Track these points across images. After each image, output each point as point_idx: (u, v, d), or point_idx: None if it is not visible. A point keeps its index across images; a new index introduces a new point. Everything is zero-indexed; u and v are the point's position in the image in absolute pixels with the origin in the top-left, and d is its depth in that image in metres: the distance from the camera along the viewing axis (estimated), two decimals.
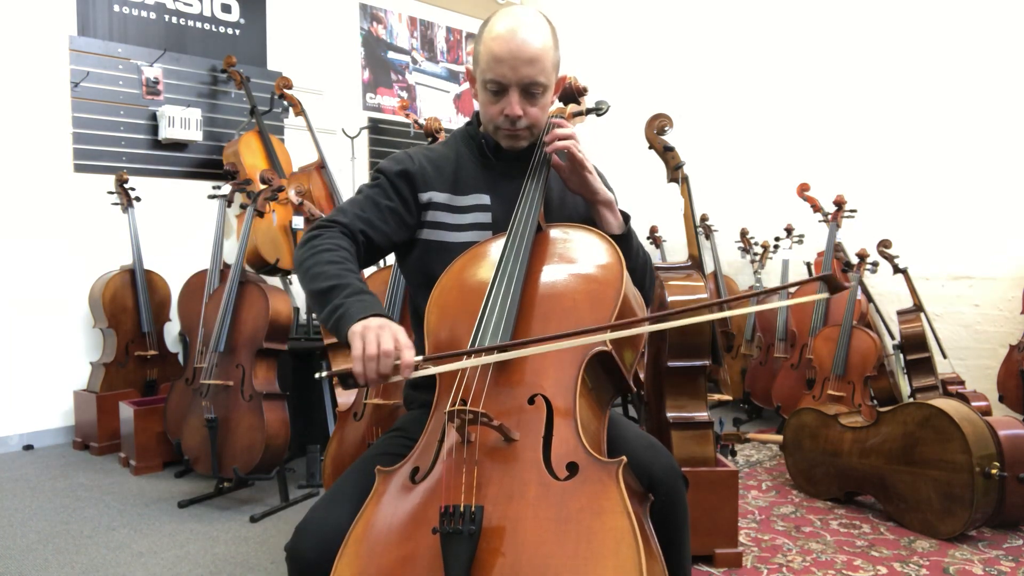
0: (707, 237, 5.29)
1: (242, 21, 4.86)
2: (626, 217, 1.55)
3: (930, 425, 2.58)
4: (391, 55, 5.76)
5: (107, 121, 4.25)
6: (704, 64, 5.57)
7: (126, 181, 3.96)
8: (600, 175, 1.62)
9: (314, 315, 3.68)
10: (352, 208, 1.47)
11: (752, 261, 4.97)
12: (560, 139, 1.45)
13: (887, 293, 4.44)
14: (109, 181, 4.04)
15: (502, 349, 1.18)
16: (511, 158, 1.54)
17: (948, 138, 4.38)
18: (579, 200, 1.56)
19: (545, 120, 1.53)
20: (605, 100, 1.77)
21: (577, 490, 1.03)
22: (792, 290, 4.35)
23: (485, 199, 1.52)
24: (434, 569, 0.99)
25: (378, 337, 1.15)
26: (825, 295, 1.11)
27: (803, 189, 4.32)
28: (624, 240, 1.47)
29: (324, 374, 1.21)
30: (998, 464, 2.47)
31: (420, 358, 1.18)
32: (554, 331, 1.24)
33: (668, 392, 2.48)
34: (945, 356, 3.83)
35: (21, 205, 3.97)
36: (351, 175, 4.94)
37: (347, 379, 1.16)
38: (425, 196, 1.51)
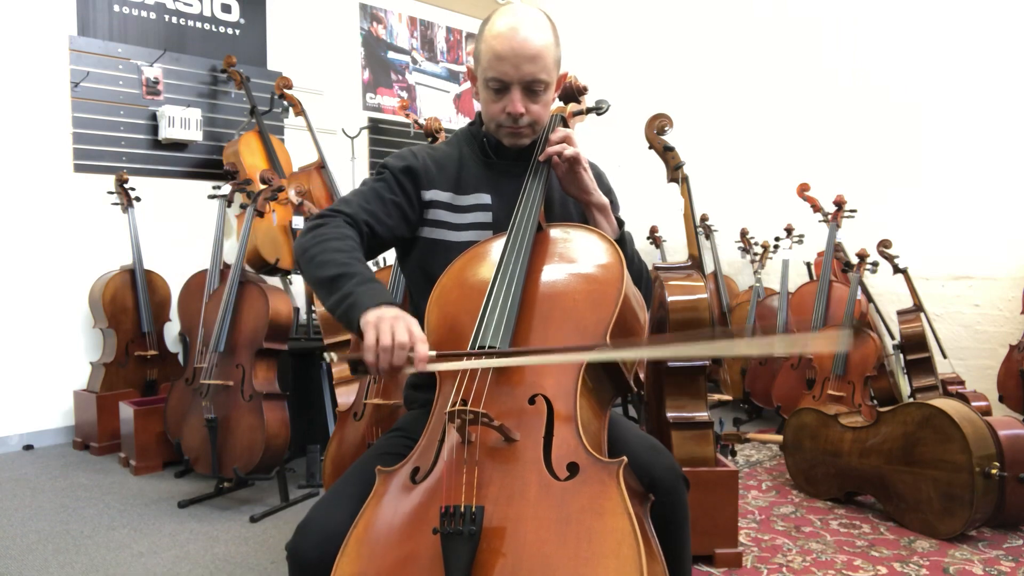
0: (707, 237, 5.29)
1: (242, 21, 4.86)
2: (621, 223, 1.55)
3: (930, 425, 2.58)
4: (391, 55, 5.76)
5: (107, 121, 4.25)
6: (704, 64, 5.57)
7: (126, 181, 3.96)
8: (600, 174, 1.62)
9: (314, 309, 3.67)
10: (357, 199, 1.46)
11: (752, 261, 4.97)
12: (555, 145, 1.45)
13: (887, 293, 4.44)
14: (109, 181, 4.04)
15: (518, 354, 1.17)
16: (513, 157, 1.54)
17: (948, 138, 4.38)
18: (578, 201, 1.56)
19: (547, 118, 1.53)
20: (605, 99, 1.78)
21: (578, 490, 1.03)
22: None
23: (486, 198, 1.52)
24: (434, 569, 0.99)
25: (393, 328, 1.13)
26: (847, 343, 1.12)
27: (803, 189, 4.32)
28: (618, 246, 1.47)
29: (334, 356, 1.19)
30: (998, 464, 2.47)
31: (434, 353, 1.17)
32: (555, 330, 1.24)
33: (668, 392, 2.48)
34: (945, 356, 3.83)
35: (21, 205, 3.97)
36: (351, 175, 4.94)
37: (358, 366, 1.14)
38: (428, 194, 1.51)
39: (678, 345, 1.26)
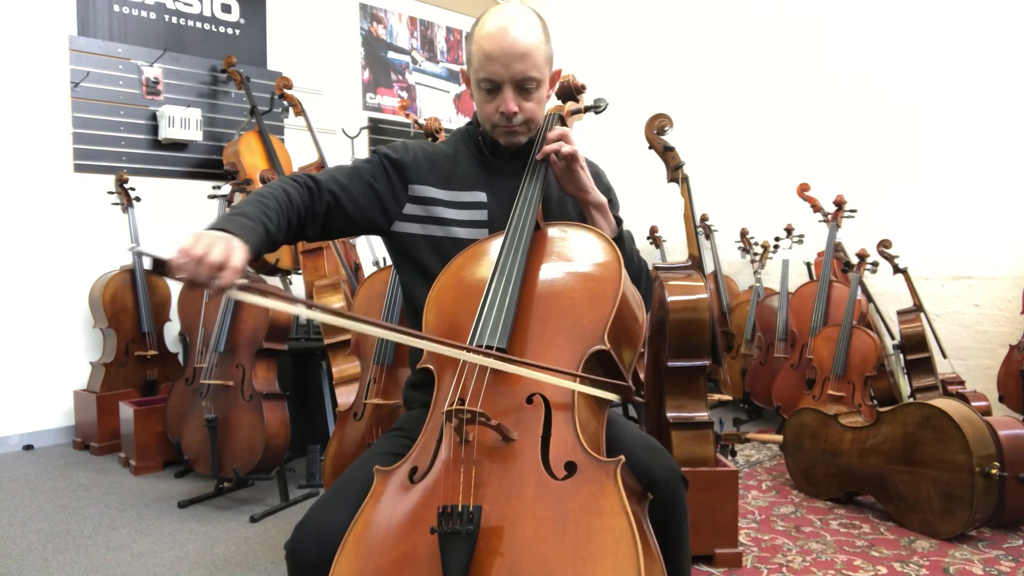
0: (707, 237, 5.29)
1: (242, 21, 4.86)
2: (619, 222, 1.55)
3: (930, 425, 2.58)
4: (391, 55, 5.77)
5: (107, 121, 4.25)
6: (704, 64, 5.57)
7: (126, 181, 3.96)
8: (599, 172, 1.62)
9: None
10: (334, 171, 1.48)
11: (752, 261, 4.97)
12: (551, 143, 1.45)
13: (887, 293, 4.44)
14: (109, 181, 4.04)
15: (488, 355, 1.17)
16: (509, 156, 1.54)
17: (948, 138, 4.38)
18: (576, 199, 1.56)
19: (543, 115, 1.53)
20: (603, 98, 1.77)
21: (575, 490, 1.03)
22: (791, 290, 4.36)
23: (482, 196, 1.52)
24: (432, 569, 0.99)
25: (211, 243, 1.11)
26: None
27: (803, 189, 4.31)
28: (616, 244, 1.47)
29: (136, 248, 1.14)
30: (998, 464, 2.47)
31: (243, 281, 1.13)
32: (552, 330, 1.24)
33: (668, 392, 2.48)
34: (945, 356, 3.83)
35: (21, 205, 3.97)
36: None
37: (161, 266, 1.10)
38: (417, 189, 1.51)
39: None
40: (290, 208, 1.38)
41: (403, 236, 1.52)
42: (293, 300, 1.05)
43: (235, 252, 1.13)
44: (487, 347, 1.19)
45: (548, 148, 1.45)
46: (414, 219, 1.51)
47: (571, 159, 1.45)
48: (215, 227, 1.20)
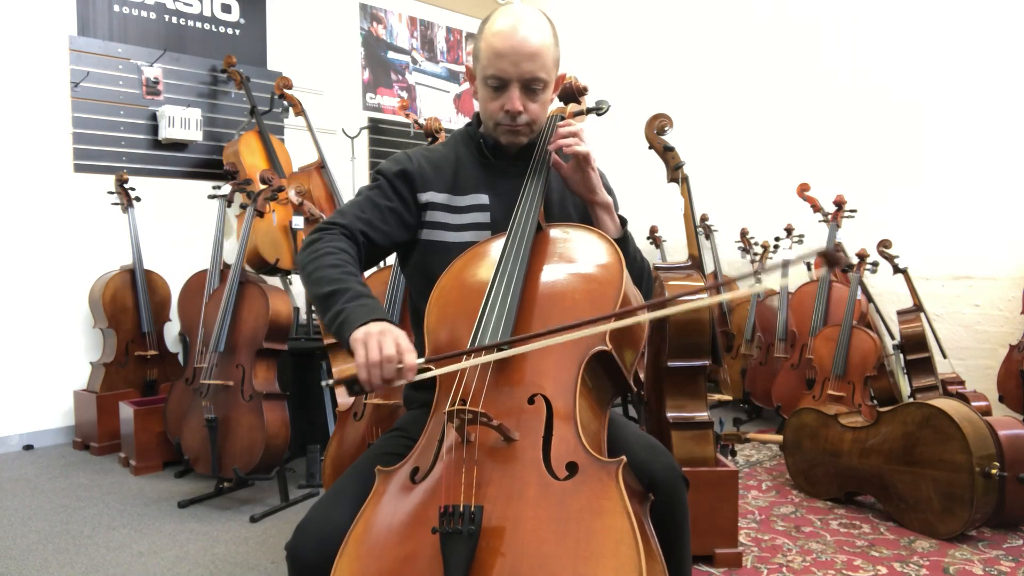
0: (707, 237, 5.29)
1: (242, 21, 4.86)
2: (623, 221, 1.55)
3: (930, 425, 2.58)
4: (391, 55, 5.77)
5: (107, 121, 4.25)
6: (704, 64, 5.57)
7: (126, 181, 3.96)
8: (601, 175, 1.63)
9: (315, 318, 3.68)
10: (352, 210, 1.47)
11: (752, 261, 4.97)
12: (564, 137, 1.46)
13: (887, 293, 4.44)
14: (109, 181, 4.04)
15: (501, 347, 1.18)
16: (510, 157, 1.54)
17: (948, 138, 4.38)
18: (579, 200, 1.56)
19: (545, 118, 1.54)
20: (605, 100, 1.77)
21: (577, 490, 1.03)
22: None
23: (484, 199, 1.52)
24: (434, 569, 0.99)
25: (380, 343, 1.15)
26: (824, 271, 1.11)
27: (803, 189, 4.32)
28: (620, 244, 1.47)
29: (331, 382, 1.20)
30: (998, 464, 2.47)
31: (422, 360, 1.18)
32: None
33: (668, 392, 2.48)
34: (945, 356, 3.83)
35: (21, 205, 3.97)
36: (351, 175, 4.93)
37: (353, 386, 1.17)
38: (424, 196, 1.51)
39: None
40: (358, 261, 1.43)
41: (415, 243, 1.53)
42: (460, 355, 1.17)
43: (400, 338, 1.18)
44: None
45: (562, 142, 1.46)
46: (425, 225, 1.52)
47: (584, 161, 1.46)
48: (351, 321, 1.23)
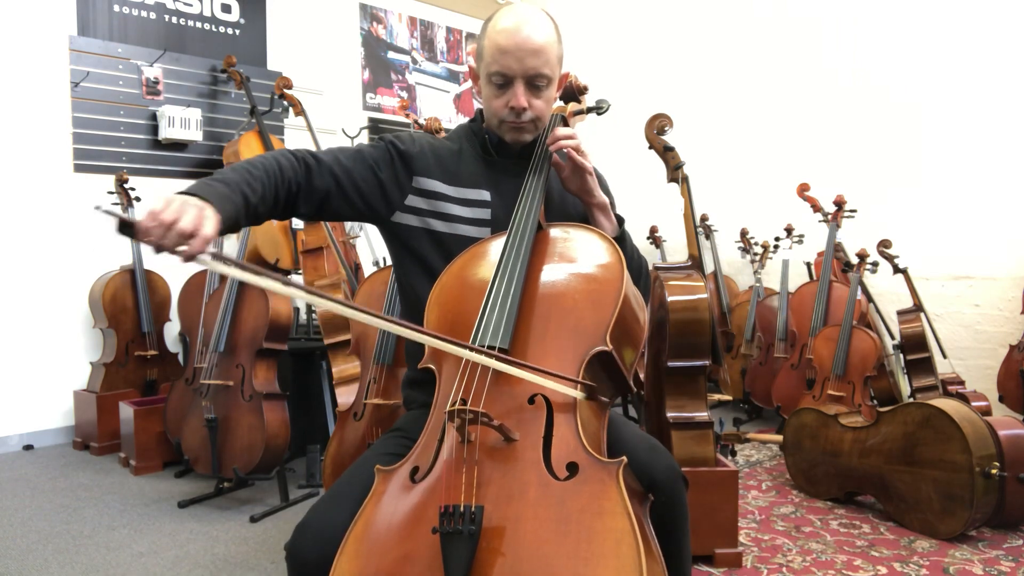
0: (707, 237, 5.29)
1: (242, 21, 4.86)
2: (620, 220, 1.55)
3: (930, 425, 2.58)
4: (391, 55, 5.77)
5: (107, 121, 4.25)
6: (704, 64, 5.57)
7: (126, 181, 3.96)
8: (600, 176, 1.63)
9: (314, 309, 3.67)
10: (338, 152, 1.46)
11: (752, 261, 4.97)
12: (562, 139, 1.46)
13: (887, 293, 4.44)
14: (109, 181, 4.04)
15: (490, 354, 1.16)
16: (513, 155, 1.55)
17: (948, 138, 4.38)
18: (579, 200, 1.56)
19: (549, 115, 1.54)
20: (605, 99, 1.78)
21: (577, 490, 1.03)
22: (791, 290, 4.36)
23: (485, 195, 1.52)
24: (434, 569, 0.99)
25: (182, 210, 1.06)
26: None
27: (803, 189, 4.32)
28: (618, 242, 1.47)
29: (103, 208, 1.08)
30: (998, 464, 2.47)
31: (213, 250, 1.09)
32: (554, 330, 1.24)
33: (668, 392, 2.48)
34: (945, 356, 3.83)
35: (21, 205, 3.97)
36: None
37: (128, 228, 1.02)
38: (422, 182, 1.51)
39: None
40: (280, 180, 1.35)
41: (403, 227, 1.51)
42: (261, 273, 1.02)
43: (206, 221, 1.08)
44: (489, 347, 1.19)
45: (563, 143, 1.46)
46: (416, 211, 1.51)
47: (580, 169, 1.47)
48: (190, 192, 1.16)
